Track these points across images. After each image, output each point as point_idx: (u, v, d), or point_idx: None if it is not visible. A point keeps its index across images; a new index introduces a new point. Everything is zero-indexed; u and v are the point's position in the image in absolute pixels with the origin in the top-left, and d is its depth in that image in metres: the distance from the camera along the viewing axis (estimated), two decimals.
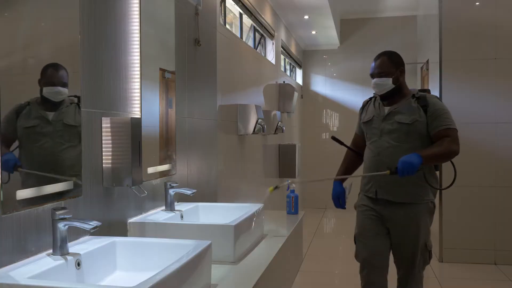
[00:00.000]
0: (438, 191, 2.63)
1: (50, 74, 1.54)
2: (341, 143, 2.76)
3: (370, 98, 2.74)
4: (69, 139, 1.60)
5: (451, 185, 2.58)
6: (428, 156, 2.41)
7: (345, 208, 2.68)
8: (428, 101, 2.51)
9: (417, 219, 2.54)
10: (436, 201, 2.63)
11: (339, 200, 2.65)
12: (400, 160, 2.33)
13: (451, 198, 4.82)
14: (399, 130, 2.52)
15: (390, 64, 2.54)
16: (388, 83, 2.52)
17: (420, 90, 2.64)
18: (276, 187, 2.42)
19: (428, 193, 2.55)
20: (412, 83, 7.28)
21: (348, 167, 2.81)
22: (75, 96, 1.62)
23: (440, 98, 2.51)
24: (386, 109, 2.57)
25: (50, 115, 1.53)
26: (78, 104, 1.63)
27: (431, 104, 2.50)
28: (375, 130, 2.59)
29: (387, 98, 2.57)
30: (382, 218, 2.58)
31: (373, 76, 2.57)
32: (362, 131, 2.73)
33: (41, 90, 1.47)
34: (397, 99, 2.57)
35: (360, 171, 2.80)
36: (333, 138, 2.76)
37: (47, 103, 1.51)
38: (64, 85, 1.56)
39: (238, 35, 4.69)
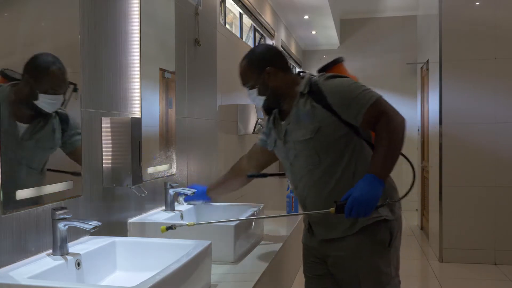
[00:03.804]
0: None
1: None
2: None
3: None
4: None
5: (410, 189, 1.76)
6: (386, 169, 1.66)
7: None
8: (322, 91, 1.74)
9: (352, 254, 1.77)
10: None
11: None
12: (353, 197, 1.59)
13: (451, 198, 4.82)
14: (305, 151, 1.77)
15: (250, 71, 1.88)
16: (258, 96, 1.88)
17: (320, 69, 1.93)
18: (170, 227, 1.74)
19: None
20: (412, 83, 7.29)
21: (223, 184, 2.24)
22: None
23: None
24: (283, 127, 1.85)
25: None
26: None
27: (328, 94, 1.73)
28: (284, 160, 1.91)
29: (273, 110, 1.92)
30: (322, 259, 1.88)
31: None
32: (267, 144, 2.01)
33: None
34: (287, 106, 1.83)
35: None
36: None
37: None
38: None
39: (238, 35, 4.69)
